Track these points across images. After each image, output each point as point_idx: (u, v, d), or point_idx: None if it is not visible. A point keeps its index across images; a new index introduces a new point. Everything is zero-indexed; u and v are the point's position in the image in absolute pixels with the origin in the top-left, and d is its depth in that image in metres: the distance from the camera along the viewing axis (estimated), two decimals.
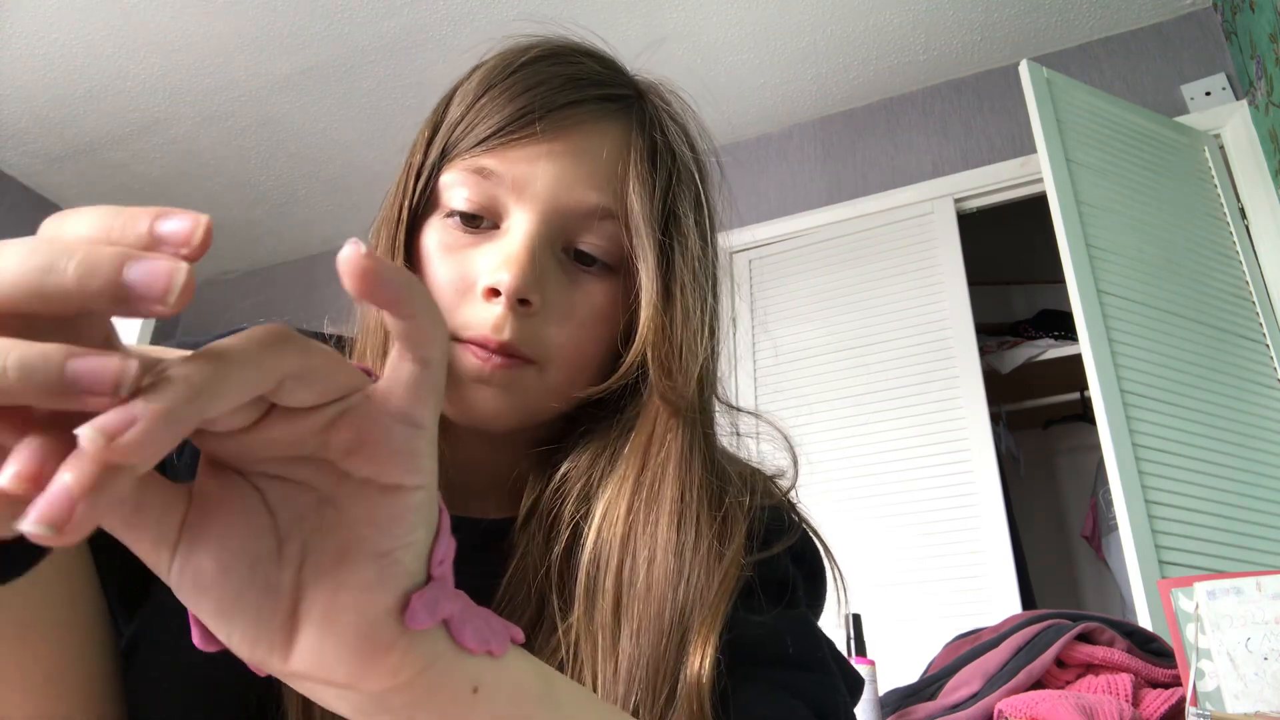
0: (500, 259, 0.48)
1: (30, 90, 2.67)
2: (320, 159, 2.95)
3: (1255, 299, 2.02)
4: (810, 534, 0.57)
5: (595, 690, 0.44)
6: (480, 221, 0.50)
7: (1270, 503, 1.74)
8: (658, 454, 0.49)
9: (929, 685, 1.25)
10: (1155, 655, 1.13)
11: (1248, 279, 2.04)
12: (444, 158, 0.52)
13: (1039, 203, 2.05)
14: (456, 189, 0.50)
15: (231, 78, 2.64)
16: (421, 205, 0.52)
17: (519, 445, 0.53)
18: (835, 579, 0.57)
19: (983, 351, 2.32)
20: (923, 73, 2.64)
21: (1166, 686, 1.08)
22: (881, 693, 1.26)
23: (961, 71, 2.63)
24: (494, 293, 0.47)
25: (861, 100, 2.74)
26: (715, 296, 0.54)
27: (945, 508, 2.13)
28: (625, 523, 0.47)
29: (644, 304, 0.49)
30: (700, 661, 0.44)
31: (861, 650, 1.25)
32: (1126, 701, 1.01)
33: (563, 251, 0.50)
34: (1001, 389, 2.67)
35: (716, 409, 0.56)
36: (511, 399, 0.49)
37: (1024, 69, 2.01)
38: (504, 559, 0.50)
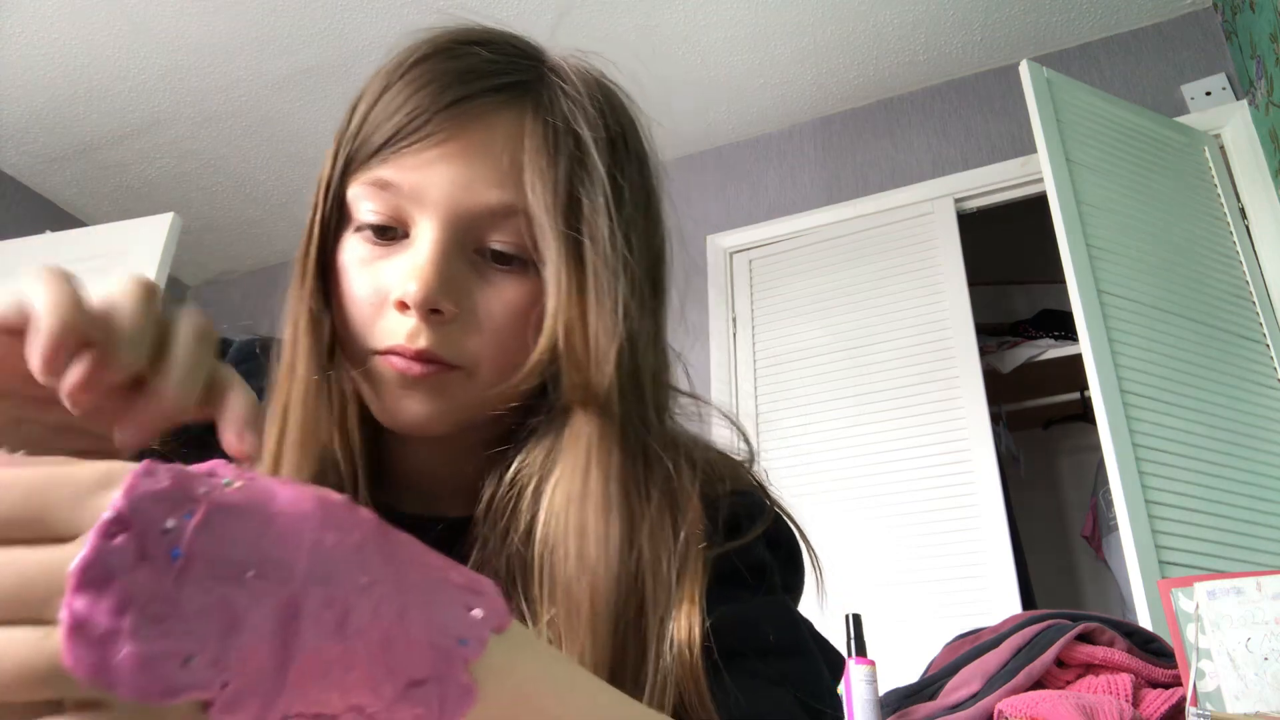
0: (408, 270, 0.48)
1: (30, 90, 2.67)
2: (320, 159, 2.94)
3: (1255, 299, 2.02)
4: (784, 518, 0.56)
5: None
6: (392, 231, 0.50)
7: (1270, 503, 1.74)
8: (584, 445, 0.49)
9: (929, 685, 1.25)
10: (1155, 655, 1.13)
11: (1248, 279, 2.04)
12: (347, 171, 0.52)
13: (1039, 203, 2.05)
14: (361, 203, 0.50)
15: (231, 78, 2.64)
16: (334, 220, 0.52)
17: (474, 446, 0.53)
18: (812, 562, 0.57)
19: (983, 351, 2.32)
20: (923, 73, 2.64)
21: (1166, 686, 1.08)
22: (881, 693, 1.26)
23: (961, 71, 2.63)
24: (405, 305, 0.48)
25: (861, 100, 2.74)
26: (641, 277, 0.52)
27: (945, 507, 2.13)
28: (564, 514, 0.48)
29: (550, 296, 0.49)
30: (688, 633, 0.44)
31: (861, 650, 1.25)
32: (1126, 701, 1.01)
33: (475, 253, 0.50)
34: (1002, 389, 2.67)
35: (659, 396, 0.55)
36: (440, 404, 0.49)
37: (1024, 69, 2.01)
38: (467, 556, 0.51)
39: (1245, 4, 2.16)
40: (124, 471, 0.24)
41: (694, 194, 2.79)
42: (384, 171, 0.49)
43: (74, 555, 0.23)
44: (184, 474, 0.25)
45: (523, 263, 0.50)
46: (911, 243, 2.46)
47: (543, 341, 0.48)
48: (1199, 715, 0.98)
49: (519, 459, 0.51)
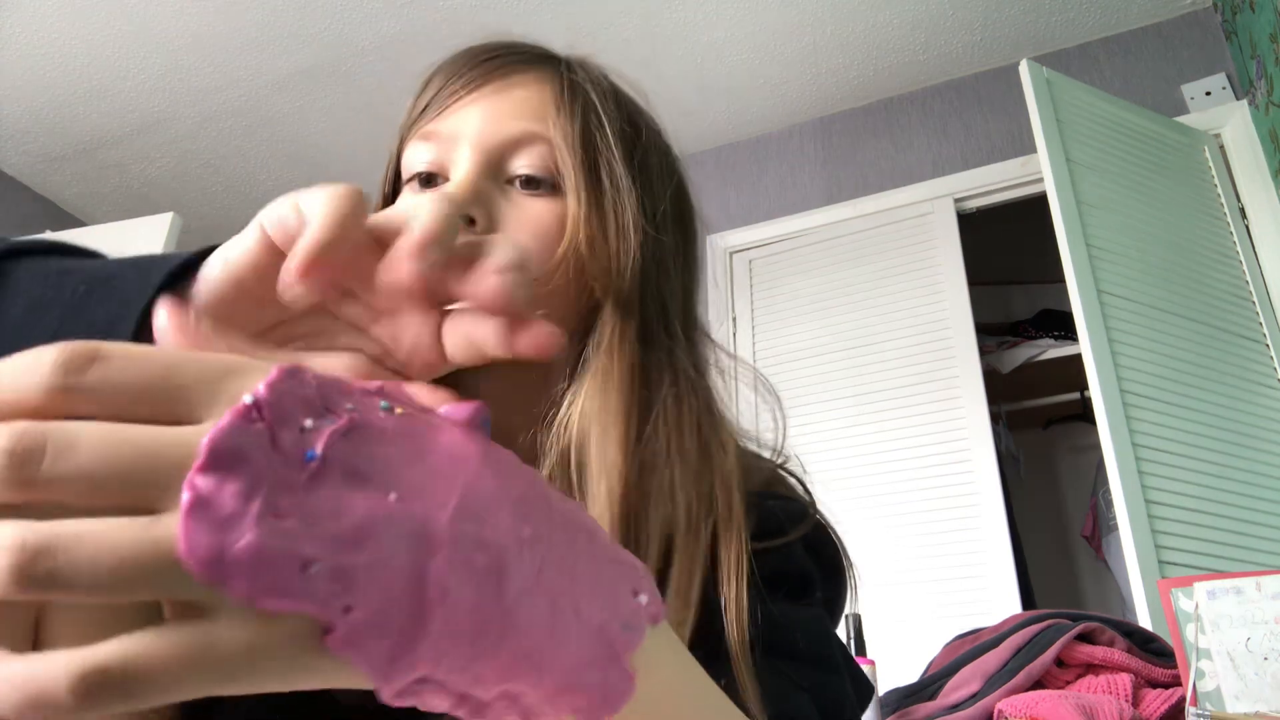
0: (444, 189, 0.53)
1: (30, 90, 2.67)
2: (320, 159, 2.95)
3: (1255, 299, 2.02)
4: (828, 529, 0.57)
5: None
6: (435, 179, 0.55)
7: (1270, 503, 1.74)
8: (607, 350, 0.52)
9: (929, 685, 1.25)
10: (1155, 655, 1.13)
11: (1248, 279, 2.04)
12: (402, 143, 0.58)
13: (1039, 203, 2.05)
14: (412, 159, 0.56)
15: (231, 78, 2.64)
16: (394, 191, 0.58)
17: (513, 393, 0.54)
18: (850, 578, 0.57)
19: (983, 351, 2.32)
20: (923, 73, 2.64)
21: (1166, 686, 1.08)
22: (881, 693, 1.26)
23: (961, 71, 2.63)
24: None
25: (861, 100, 2.74)
26: (660, 205, 0.57)
27: (945, 508, 2.13)
28: (589, 415, 0.49)
29: (570, 208, 0.53)
30: (735, 591, 0.45)
31: (861, 650, 1.25)
32: (1126, 701, 1.01)
33: (506, 183, 0.54)
34: (1001, 389, 2.67)
35: (686, 337, 0.58)
36: None
37: (1024, 69, 2.01)
38: None
39: (1245, 4, 2.16)
40: (268, 367, 0.23)
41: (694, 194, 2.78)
42: (428, 125, 0.55)
43: (205, 432, 0.21)
44: (335, 384, 0.24)
45: (549, 187, 0.54)
46: (911, 243, 2.46)
47: (563, 244, 0.52)
48: (1199, 715, 0.98)
49: (566, 399, 0.52)
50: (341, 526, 0.21)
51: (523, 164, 0.53)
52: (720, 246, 2.71)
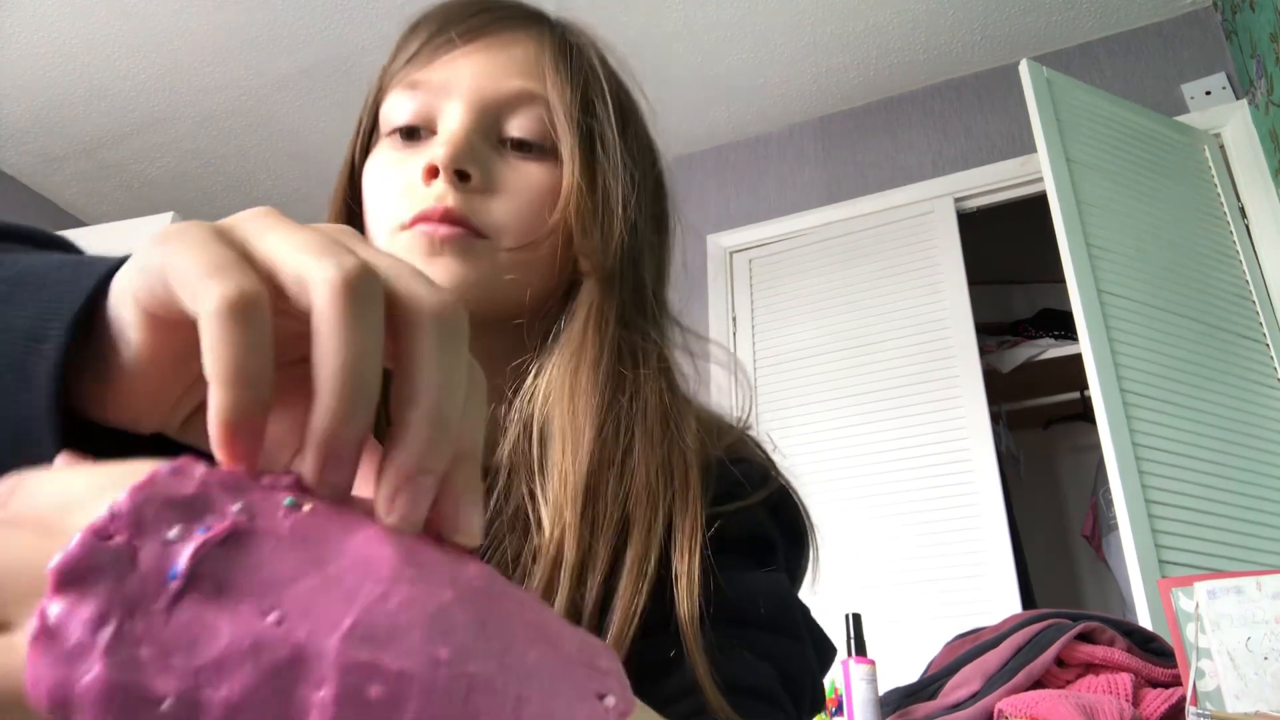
0: (437, 143, 0.50)
1: (30, 90, 2.67)
2: (320, 158, 2.95)
3: (1255, 298, 2.02)
4: (790, 493, 0.55)
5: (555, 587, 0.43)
6: (419, 133, 0.53)
7: (1270, 503, 1.74)
8: (584, 325, 0.51)
9: (929, 685, 1.25)
10: (1155, 655, 1.13)
11: (1248, 279, 2.04)
12: (382, 90, 0.55)
13: (1039, 202, 2.05)
14: (394, 109, 0.53)
15: (231, 77, 2.64)
16: (370, 140, 0.56)
17: (494, 356, 0.51)
18: (812, 543, 0.55)
19: (983, 351, 2.32)
20: (923, 72, 2.64)
21: (1166, 686, 1.08)
22: (881, 692, 1.26)
23: (961, 71, 2.63)
24: (433, 172, 0.49)
25: (861, 99, 2.74)
26: (644, 186, 0.56)
27: (945, 507, 2.13)
28: (558, 387, 0.49)
29: (565, 175, 0.52)
30: (686, 565, 0.44)
31: (861, 650, 1.25)
32: (1126, 701, 1.01)
33: (499, 142, 0.52)
34: (1001, 388, 2.67)
35: (660, 319, 0.57)
36: (465, 271, 0.49)
37: (1024, 68, 2.01)
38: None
39: (1245, 3, 2.16)
40: (145, 472, 0.21)
41: (694, 194, 2.79)
42: (415, 74, 0.53)
43: (59, 548, 0.19)
44: (224, 481, 0.21)
45: (542, 151, 0.52)
46: (911, 242, 2.46)
47: (557, 212, 0.51)
48: (1199, 715, 0.98)
49: (534, 366, 0.51)
50: (202, 655, 0.19)
51: (517, 126, 0.52)
52: (720, 246, 2.70)
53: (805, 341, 2.47)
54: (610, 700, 0.23)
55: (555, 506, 0.45)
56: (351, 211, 0.56)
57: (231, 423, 0.22)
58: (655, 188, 0.60)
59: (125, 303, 0.26)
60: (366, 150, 0.56)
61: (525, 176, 0.52)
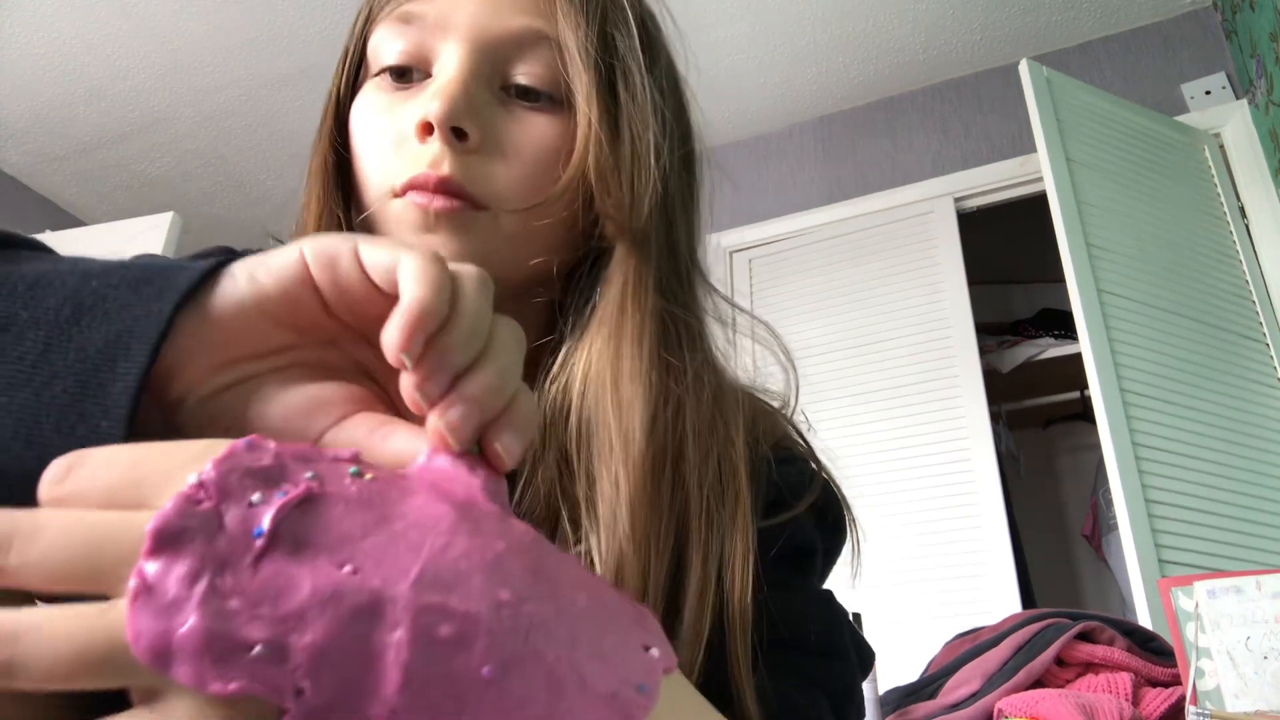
0: (431, 93, 0.44)
1: (30, 90, 2.67)
2: None
3: (1255, 298, 2.02)
4: (834, 489, 0.52)
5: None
6: (412, 74, 0.47)
7: (1270, 502, 1.74)
8: (620, 298, 0.45)
9: (929, 684, 1.25)
10: (1155, 654, 1.14)
11: (1248, 278, 2.04)
12: (370, 20, 0.49)
13: (1039, 202, 2.05)
14: (384, 45, 0.47)
15: (232, 76, 2.64)
16: (356, 76, 0.49)
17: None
18: (852, 528, 0.53)
19: (983, 351, 2.32)
20: (923, 72, 2.64)
21: (1166, 685, 1.08)
22: (881, 692, 1.26)
23: (961, 71, 2.63)
24: (428, 129, 0.43)
25: (861, 99, 2.74)
26: (671, 132, 0.49)
27: (945, 507, 2.13)
28: (598, 372, 0.43)
29: (580, 128, 0.45)
30: (739, 593, 0.40)
31: None
32: (1126, 700, 1.01)
33: (501, 90, 0.46)
34: (1001, 388, 2.67)
35: (693, 278, 0.52)
36: (463, 246, 0.44)
37: (1024, 68, 2.01)
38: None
39: (1245, 3, 2.16)
40: (224, 446, 0.23)
41: None
42: (410, 5, 0.46)
43: (151, 516, 0.21)
44: (298, 453, 0.23)
45: (551, 100, 0.46)
46: (911, 242, 2.46)
47: (570, 170, 0.44)
48: (1199, 714, 0.98)
49: (567, 342, 0.45)
50: (287, 604, 0.21)
51: (522, 72, 0.46)
52: (720, 246, 2.70)
53: (805, 341, 2.47)
54: (655, 651, 0.25)
55: (607, 527, 0.39)
56: (340, 157, 0.49)
57: (420, 313, 0.26)
58: (686, 128, 0.53)
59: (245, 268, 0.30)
60: (353, 84, 0.49)
61: (533, 132, 0.45)
